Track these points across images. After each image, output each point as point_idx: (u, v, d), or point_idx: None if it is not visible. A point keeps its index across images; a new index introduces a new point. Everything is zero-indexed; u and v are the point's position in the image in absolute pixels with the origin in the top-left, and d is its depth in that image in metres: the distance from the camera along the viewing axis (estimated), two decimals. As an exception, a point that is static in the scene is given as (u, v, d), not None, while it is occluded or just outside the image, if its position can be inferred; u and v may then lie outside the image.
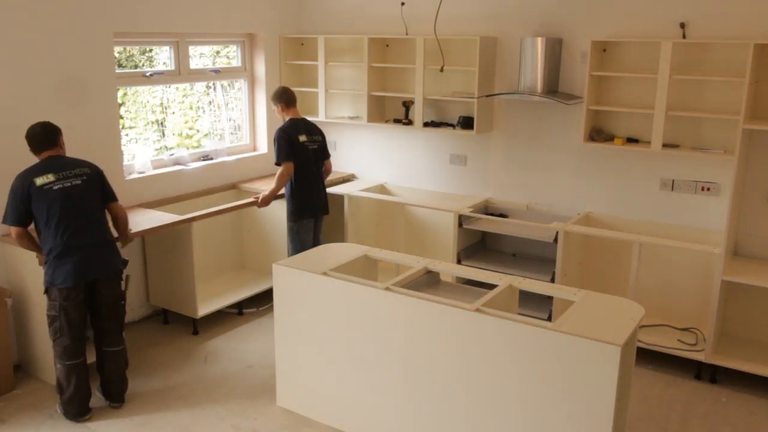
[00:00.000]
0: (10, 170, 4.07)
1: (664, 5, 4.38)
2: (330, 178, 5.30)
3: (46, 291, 3.65)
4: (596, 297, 3.32)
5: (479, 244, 5.33)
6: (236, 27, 5.48)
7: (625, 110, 4.53)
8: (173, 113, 5.63)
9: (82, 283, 3.62)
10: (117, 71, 4.64)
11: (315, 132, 4.95)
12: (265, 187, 5.39)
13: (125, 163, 4.83)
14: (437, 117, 5.40)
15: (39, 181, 3.58)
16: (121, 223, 3.93)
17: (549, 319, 4.50)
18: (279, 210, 5.31)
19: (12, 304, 4.12)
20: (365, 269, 3.84)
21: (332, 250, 3.99)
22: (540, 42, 4.65)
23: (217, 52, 5.79)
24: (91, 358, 3.87)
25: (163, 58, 5.28)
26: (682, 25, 4.32)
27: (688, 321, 4.55)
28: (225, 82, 5.81)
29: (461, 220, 4.92)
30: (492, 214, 5.08)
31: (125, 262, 3.88)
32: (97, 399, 3.88)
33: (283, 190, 4.90)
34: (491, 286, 3.43)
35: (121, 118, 4.98)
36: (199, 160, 5.38)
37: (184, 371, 4.30)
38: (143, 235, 4.39)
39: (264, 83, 5.73)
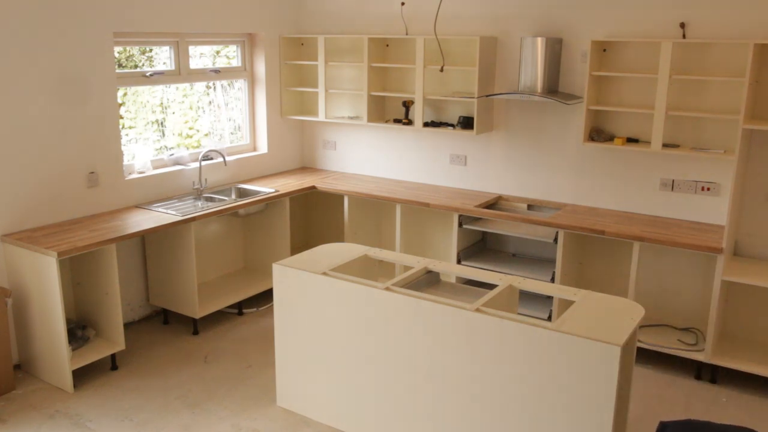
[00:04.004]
0: (11, 169, 4.09)
1: (664, 5, 4.39)
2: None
3: None
4: (596, 297, 3.32)
5: (479, 244, 5.33)
6: (236, 27, 5.48)
7: (625, 110, 4.53)
8: (173, 113, 5.63)
9: None
10: (117, 71, 4.64)
11: None
12: (266, 189, 5.40)
13: (125, 163, 4.84)
14: (437, 117, 5.40)
15: None
16: None
17: (549, 319, 4.50)
18: (279, 209, 5.32)
19: (12, 304, 4.12)
20: (365, 269, 3.84)
21: (332, 250, 3.99)
22: (540, 42, 4.65)
23: (217, 52, 5.79)
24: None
25: (163, 58, 5.28)
26: (682, 25, 4.32)
27: (688, 321, 4.55)
28: (225, 82, 5.81)
29: (461, 220, 4.92)
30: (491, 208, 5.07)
31: None
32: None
33: None
34: (491, 286, 3.43)
35: (121, 118, 4.98)
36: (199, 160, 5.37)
37: (184, 371, 4.29)
38: (143, 235, 4.40)
39: (264, 83, 5.73)
